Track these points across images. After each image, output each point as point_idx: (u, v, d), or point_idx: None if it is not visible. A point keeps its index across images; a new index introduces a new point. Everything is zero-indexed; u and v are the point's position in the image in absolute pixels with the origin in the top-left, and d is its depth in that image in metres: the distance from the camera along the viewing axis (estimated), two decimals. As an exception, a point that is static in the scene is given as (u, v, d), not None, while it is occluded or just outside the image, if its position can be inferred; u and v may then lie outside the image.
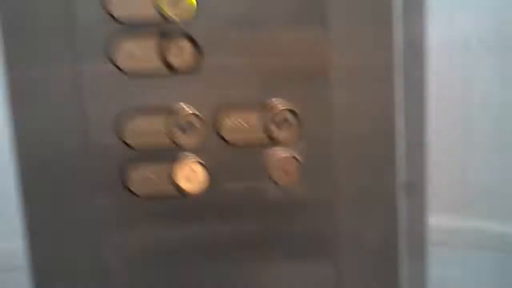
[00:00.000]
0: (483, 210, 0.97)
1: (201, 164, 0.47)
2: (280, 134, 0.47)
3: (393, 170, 0.48)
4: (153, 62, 0.45)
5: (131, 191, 0.48)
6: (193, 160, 0.47)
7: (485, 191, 0.96)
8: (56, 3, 0.44)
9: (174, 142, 0.47)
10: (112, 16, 0.44)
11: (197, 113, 0.46)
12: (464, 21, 0.91)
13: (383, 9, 0.47)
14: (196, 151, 0.47)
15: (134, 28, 0.45)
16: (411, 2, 0.52)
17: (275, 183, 0.48)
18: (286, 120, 0.47)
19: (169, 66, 0.45)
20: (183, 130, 0.47)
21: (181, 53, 0.45)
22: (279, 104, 0.47)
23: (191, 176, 0.47)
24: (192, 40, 0.45)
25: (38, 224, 0.48)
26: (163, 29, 0.45)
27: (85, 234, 0.48)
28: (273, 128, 0.47)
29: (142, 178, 0.47)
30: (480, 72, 0.93)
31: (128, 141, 0.47)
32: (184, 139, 0.47)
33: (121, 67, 0.45)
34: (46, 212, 0.48)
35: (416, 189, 0.53)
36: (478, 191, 0.96)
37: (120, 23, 0.44)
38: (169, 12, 0.43)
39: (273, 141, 0.47)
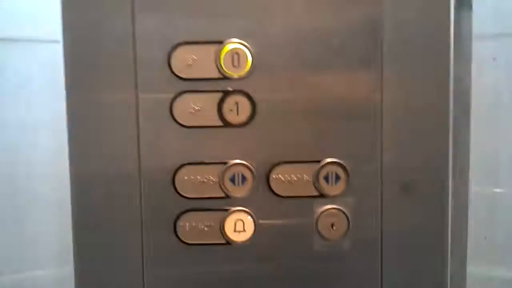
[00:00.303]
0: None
1: (250, 215, 0.48)
2: (329, 188, 0.48)
3: (443, 227, 0.49)
4: (210, 116, 0.46)
5: (179, 239, 0.48)
6: (242, 211, 0.48)
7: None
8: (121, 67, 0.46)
9: (225, 194, 0.48)
10: (174, 74, 0.45)
11: (249, 165, 0.47)
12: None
13: (439, 59, 0.47)
14: (246, 202, 0.48)
15: (194, 84, 0.46)
16: (461, 50, 0.52)
17: (322, 236, 0.48)
18: (336, 174, 0.48)
19: (224, 120, 0.46)
20: (235, 182, 0.47)
21: (237, 108, 0.46)
22: (329, 158, 0.48)
23: (239, 227, 0.48)
24: (248, 96, 0.46)
25: (86, 256, 0.49)
26: (220, 85, 0.46)
27: (129, 270, 0.49)
28: (322, 182, 0.48)
29: (191, 227, 0.48)
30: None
31: (180, 191, 0.48)
32: (235, 191, 0.48)
33: (178, 119, 0.46)
34: (94, 240, 0.49)
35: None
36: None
37: (182, 79, 0.45)
38: (228, 69, 0.44)
39: (322, 195, 0.48)
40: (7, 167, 0.82)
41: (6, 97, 0.80)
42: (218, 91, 0.46)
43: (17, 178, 0.83)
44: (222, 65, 0.46)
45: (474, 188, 0.61)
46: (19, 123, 0.81)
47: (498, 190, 0.90)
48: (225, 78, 0.46)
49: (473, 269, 0.62)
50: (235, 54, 0.45)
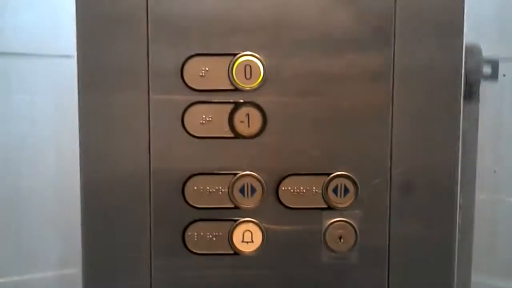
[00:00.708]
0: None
1: (258, 226, 0.48)
2: (338, 200, 0.48)
3: (450, 240, 0.49)
4: (220, 127, 0.47)
5: (187, 248, 0.49)
6: (251, 222, 0.48)
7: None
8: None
9: (234, 204, 0.48)
10: (186, 84, 0.45)
11: (259, 177, 0.47)
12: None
13: (450, 74, 0.48)
14: (254, 213, 0.48)
15: (205, 95, 0.46)
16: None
17: (330, 248, 0.49)
18: (344, 187, 0.48)
19: (235, 131, 0.46)
20: (244, 193, 0.47)
21: (248, 120, 0.46)
22: (338, 170, 0.48)
23: (247, 237, 0.48)
24: (259, 108, 0.46)
25: (94, 262, 0.49)
26: (232, 97, 0.46)
27: (137, 277, 0.49)
28: (331, 194, 0.48)
29: (200, 236, 0.48)
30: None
31: (189, 200, 0.48)
32: (244, 202, 0.48)
33: (189, 130, 0.46)
34: (103, 246, 0.49)
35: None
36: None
37: (194, 90, 0.46)
38: (240, 81, 0.44)
39: (331, 207, 0.48)
40: (10, 179, 0.83)
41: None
42: (229, 102, 0.47)
43: (19, 193, 0.84)
44: (235, 77, 0.46)
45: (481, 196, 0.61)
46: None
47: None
48: (236, 89, 0.46)
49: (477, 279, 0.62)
50: (247, 66, 0.46)
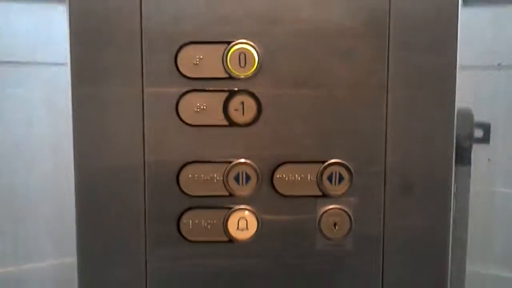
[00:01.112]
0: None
1: (253, 213, 0.48)
2: (333, 188, 0.48)
3: (445, 227, 0.49)
4: (215, 115, 0.47)
5: (182, 236, 0.49)
6: (245, 209, 0.48)
7: None
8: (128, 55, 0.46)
9: (229, 192, 0.48)
10: (180, 72, 0.45)
11: (254, 165, 0.47)
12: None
13: (445, 67, 0.48)
14: (249, 201, 0.48)
15: (200, 83, 0.46)
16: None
17: (325, 235, 0.49)
18: (339, 174, 0.48)
19: (229, 119, 0.46)
20: (239, 181, 0.48)
21: (242, 108, 0.46)
22: (335, 163, 0.48)
23: (242, 225, 0.48)
24: (254, 96, 0.46)
25: (89, 250, 0.49)
26: (226, 85, 0.46)
27: (131, 264, 0.49)
28: (326, 182, 0.48)
29: (194, 224, 0.49)
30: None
31: (184, 188, 0.48)
32: (239, 190, 0.48)
33: (184, 118, 0.46)
34: (97, 235, 0.49)
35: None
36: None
37: (188, 78, 0.46)
38: (234, 69, 0.44)
39: (325, 195, 0.49)
40: (7, 178, 0.84)
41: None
42: (224, 90, 0.47)
43: (16, 191, 0.84)
44: (229, 64, 0.46)
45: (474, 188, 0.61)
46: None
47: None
48: (231, 78, 0.46)
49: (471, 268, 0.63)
50: (242, 54, 0.46)
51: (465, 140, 0.55)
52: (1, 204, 0.85)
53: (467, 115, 0.55)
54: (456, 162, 0.49)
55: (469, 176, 0.57)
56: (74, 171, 0.48)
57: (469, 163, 0.57)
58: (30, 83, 0.83)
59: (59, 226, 0.81)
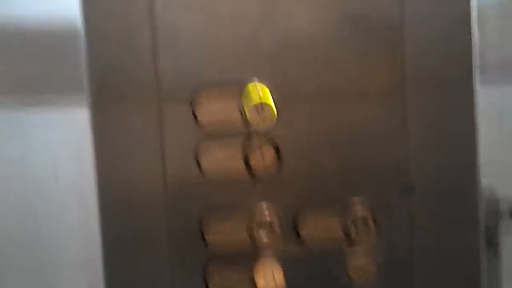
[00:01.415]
0: None
1: (278, 263, 0.47)
2: (359, 233, 0.47)
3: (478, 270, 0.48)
4: (236, 165, 0.46)
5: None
6: (271, 260, 0.47)
7: None
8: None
9: (254, 243, 0.47)
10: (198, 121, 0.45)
11: (276, 212, 0.47)
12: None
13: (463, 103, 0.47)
14: (274, 250, 0.47)
15: (218, 132, 0.46)
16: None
17: (351, 279, 0.48)
18: (365, 222, 0.47)
19: (250, 170, 0.46)
20: (263, 231, 0.47)
21: (263, 158, 0.45)
22: (358, 205, 0.47)
23: (269, 276, 0.47)
24: (274, 145, 0.46)
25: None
26: (246, 135, 0.45)
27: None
28: (352, 230, 0.47)
29: (220, 278, 0.48)
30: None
31: (207, 241, 0.47)
32: (264, 240, 0.47)
33: (204, 168, 0.45)
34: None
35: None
36: None
37: (206, 127, 0.45)
38: (253, 120, 0.43)
39: (351, 240, 0.47)
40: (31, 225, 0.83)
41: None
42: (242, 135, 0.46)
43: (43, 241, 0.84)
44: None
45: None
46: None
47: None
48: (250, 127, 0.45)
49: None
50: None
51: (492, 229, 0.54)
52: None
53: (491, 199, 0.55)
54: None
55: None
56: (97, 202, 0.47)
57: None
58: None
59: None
